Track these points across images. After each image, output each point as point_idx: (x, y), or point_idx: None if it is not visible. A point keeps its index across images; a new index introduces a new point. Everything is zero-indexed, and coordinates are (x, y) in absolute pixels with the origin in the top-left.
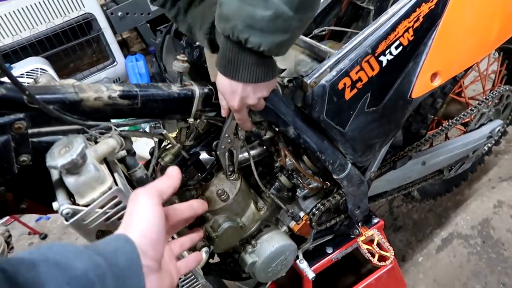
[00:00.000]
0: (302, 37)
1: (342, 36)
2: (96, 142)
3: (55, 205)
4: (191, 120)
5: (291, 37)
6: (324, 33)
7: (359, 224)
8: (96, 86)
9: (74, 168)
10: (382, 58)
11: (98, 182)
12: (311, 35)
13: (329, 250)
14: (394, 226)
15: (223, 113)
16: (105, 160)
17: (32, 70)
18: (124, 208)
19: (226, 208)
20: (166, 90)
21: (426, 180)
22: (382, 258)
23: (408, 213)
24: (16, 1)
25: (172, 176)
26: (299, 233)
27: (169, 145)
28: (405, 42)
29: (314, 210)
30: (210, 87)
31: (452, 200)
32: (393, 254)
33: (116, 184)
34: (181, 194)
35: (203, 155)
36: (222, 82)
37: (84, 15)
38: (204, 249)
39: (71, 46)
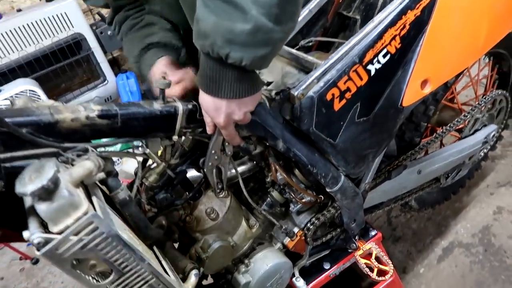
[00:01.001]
0: (288, 48)
1: (329, 46)
2: (73, 165)
3: (25, 234)
4: (175, 137)
5: (273, 49)
6: (310, 44)
7: (356, 237)
8: (74, 106)
9: (45, 194)
10: (370, 67)
11: (72, 208)
12: (298, 46)
13: (326, 265)
14: (393, 236)
15: (209, 130)
16: (83, 184)
17: (21, 92)
18: (101, 234)
19: (216, 227)
20: (147, 107)
21: (423, 189)
22: (381, 272)
23: (407, 223)
24: (4, 23)
25: None
26: (294, 249)
27: (154, 164)
28: (393, 50)
29: (308, 225)
30: (194, 103)
31: (451, 208)
32: (392, 267)
33: (95, 209)
34: (168, 214)
35: (191, 173)
36: (205, 99)
37: (73, 35)
38: (194, 271)
39: (61, 66)
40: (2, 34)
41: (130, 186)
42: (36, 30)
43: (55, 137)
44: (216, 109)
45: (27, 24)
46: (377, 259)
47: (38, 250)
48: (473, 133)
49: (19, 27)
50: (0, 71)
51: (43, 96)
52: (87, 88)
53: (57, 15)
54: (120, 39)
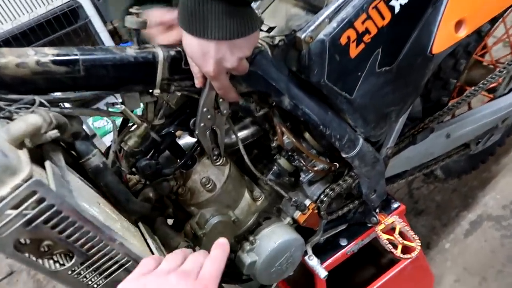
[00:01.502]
0: None
1: None
2: None
3: None
4: (157, 91)
5: None
6: None
7: (377, 210)
8: (22, 50)
9: None
10: (393, 2)
11: (8, 173)
12: None
13: (343, 242)
14: (416, 210)
15: (197, 82)
16: (39, 146)
17: None
18: (51, 207)
19: (213, 199)
20: (117, 53)
21: (451, 156)
22: (406, 249)
23: (430, 195)
24: None
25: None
26: (306, 224)
27: (134, 126)
28: None
29: (322, 196)
30: (178, 48)
31: (479, 178)
32: (419, 244)
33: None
34: (157, 185)
35: (184, 140)
36: (189, 42)
37: (68, 2)
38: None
39: (58, 36)
40: None
41: (106, 153)
42: None
43: None
44: (203, 54)
45: None
46: (401, 234)
47: None
48: (507, 92)
49: None
50: None
51: None
52: None
53: None
54: None
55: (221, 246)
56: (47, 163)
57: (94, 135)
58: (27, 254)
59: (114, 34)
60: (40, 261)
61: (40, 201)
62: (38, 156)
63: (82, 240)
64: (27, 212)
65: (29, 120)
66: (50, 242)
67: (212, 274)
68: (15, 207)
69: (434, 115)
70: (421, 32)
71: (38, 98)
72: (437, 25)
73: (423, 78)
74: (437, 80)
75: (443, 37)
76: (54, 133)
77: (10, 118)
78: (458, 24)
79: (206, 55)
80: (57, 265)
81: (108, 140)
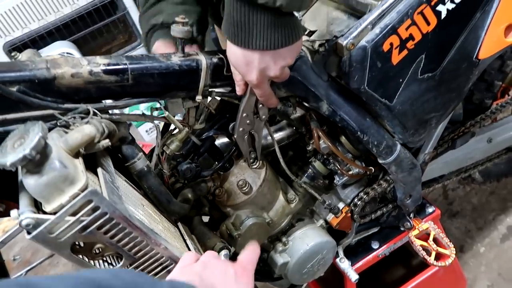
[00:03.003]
0: None
1: None
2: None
3: (13, 213)
4: (199, 98)
5: None
6: None
7: (411, 215)
8: (76, 60)
9: (32, 166)
10: (440, 7)
11: (67, 183)
12: None
13: (374, 245)
14: (450, 211)
15: (238, 90)
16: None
17: (59, 55)
18: (104, 214)
19: (249, 201)
20: (163, 61)
21: (491, 159)
22: (439, 256)
23: (466, 197)
24: None
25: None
26: (339, 227)
27: (176, 130)
28: None
29: (356, 200)
30: (221, 55)
31: None
32: (454, 252)
33: (100, 184)
34: (195, 186)
35: (221, 140)
36: (233, 52)
37: None
38: (224, 251)
39: (97, 28)
40: None
41: (149, 156)
42: None
43: (55, 97)
44: (247, 64)
45: None
46: (435, 240)
47: (29, 233)
48: None
49: None
50: (38, 33)
51: None
52: (124, 50)
53: None
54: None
55: (253, 243)
56: (99, 171)
57: (130, 125)
58: (81, 256)
59: None
60: (92, 262)
61: (95, 209)
62: (90, 159)
63: (130, 245)
64: (84, 218)
65: (85, 131)
66: (102, 245)
67: (249, 260)
68: (73, 214)
69: (476, 119)
70: (467, 37)
71: (91, 108)
72: (486, 30)
73: (468, 84)
74: (481, 82)
75: (491, 42)
76: (106, 142)
77: (67, 127)
78: (508, 29)
79: (250, 65)
80: (107, 265)
81: (143, 130)
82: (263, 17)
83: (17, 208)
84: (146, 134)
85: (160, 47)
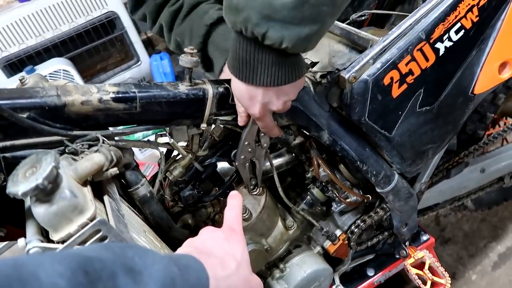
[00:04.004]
0: (337, 23)
1: (383, 22)
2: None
3: (20, 242)
4: (204, 126)
5: (322, 27)
6: (363, 18)
7: (406, 243)
8: (86, 87)
9: (43, 195)
10: (439, 45)
11: (76, 212)
12: (348, 21)
13: (370, 272)
14: (442, 238)
15: (240, 121)
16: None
17: (55, 72)
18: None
19: (248, 228)
20: (171, 90)
21: (483, 188)
22: (435, 285)
23: (458, 224)
24: (39, 1)
25: (235, 205)
26: (335, 254)
27: (179, 156)
28: (468, 25)
29: (353, 227)
30: (226, 85)
31: (510, 208)
32: (449, 281)
33: (106, 212)
34: (196, 211)
35: (222, 165)
36: (238, 86)
37: (107, 13)
38: None
39: (95, 46)
40: (37, 12)
41: (152, 181)
42: (70, 8)
43: (64, 123)
44: (250, 98)
45: (62, 2)
46: (431, 269)
47: None
48: None
49: (53, 5)
50: (35, 50)
51: (76, 76)
52: (120, 69)
53: None
54: (157, 33)
55: (234, 197)
56: (106, 199)
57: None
58: None
59: (148, 44)
60: None
61: (102, 238)
62: (95, 185)
63: None
64: None
65: (95, 159)
66: None
67: (233, 217)
68: (81, 243)
69: (469, 149)
70: (464, 73)
71: (101, 136)
72: (481, 67)
73: (463, 117)
74: (474, 114)
75: (486, 78)
76: (114, 170)
77: (75, 154)
78: (502, 66)
79: (253, 99)
80: None
81: (136, 148)
82: (269, 57)
83: (17, 233)
84: (139, 153)
85: None
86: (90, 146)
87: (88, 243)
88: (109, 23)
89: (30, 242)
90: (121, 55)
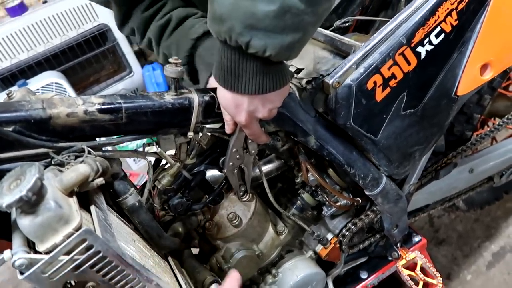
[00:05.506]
0: (322, 30)
1: (368, 28)
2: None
3: (6, 253)
4: (191, 134)
5: (304, 36)
6: (347, 24)
7: (398, 245)
8: (71, 99)
9: (27, 206)
10: (420, 49)
11: (62, 223)
12: (332, 27)
13: (363, 275)
14: (436, 239)
15: (227, 129)
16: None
17: (47, 85)
18: (98, 253)
19: (239, 234)
20: (157, 100)
21: (474, 188)
22: (427, 285)
23: (452, 224)
24: (30, 15)
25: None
26: (327, 258)
27: (168, 165)
28: (448, 28)
29: (344, 231)
30: (212, 94)
31: (502, 208)
32: (441, 281)
33: (93, 222)
34: (186, 219)
35: (211, 172)
36: (223, 95)
37: (98, 26)
38: (214, 285)
39: (87, 58)
40: (28, 26)
41: (141, 190)
42: (62, 22)
43: (50, 136)
44: (236, 106)
45: (53, 16)
46: (422, 270)
47: (22, 273)
48: None
49: (44, 19)
50: (27, 64)
51: (69, 89)
52: (113, 80)
53: (82, 6)
54: (146, 46)
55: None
56: (93, 209)
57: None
58: None
59: (140, 55)
60: None
61: (89, 248)
62: (82, 195)
63: (122, 282)
64: (77, 257)
65: (80, 170)
66: (94, 284)
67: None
68: (67, 253)
69: (457, 150)
70: (446, 75)
71: (86, 147)
72: (463, 69)
73: (448, 119)
74: (461, 115)
75: (468, 80)
76: (100, 180)
77: (61, 165)
78: (484, 68)
79: (239, 107)
80: None
81: (131, 159)
82: (253, 65)
83: (7, 246)
84: (133, 163)
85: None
86: (76, 157)
87: (74, 252)
88: (101, 35)
89: (16, 253)
90: (113, 67)
